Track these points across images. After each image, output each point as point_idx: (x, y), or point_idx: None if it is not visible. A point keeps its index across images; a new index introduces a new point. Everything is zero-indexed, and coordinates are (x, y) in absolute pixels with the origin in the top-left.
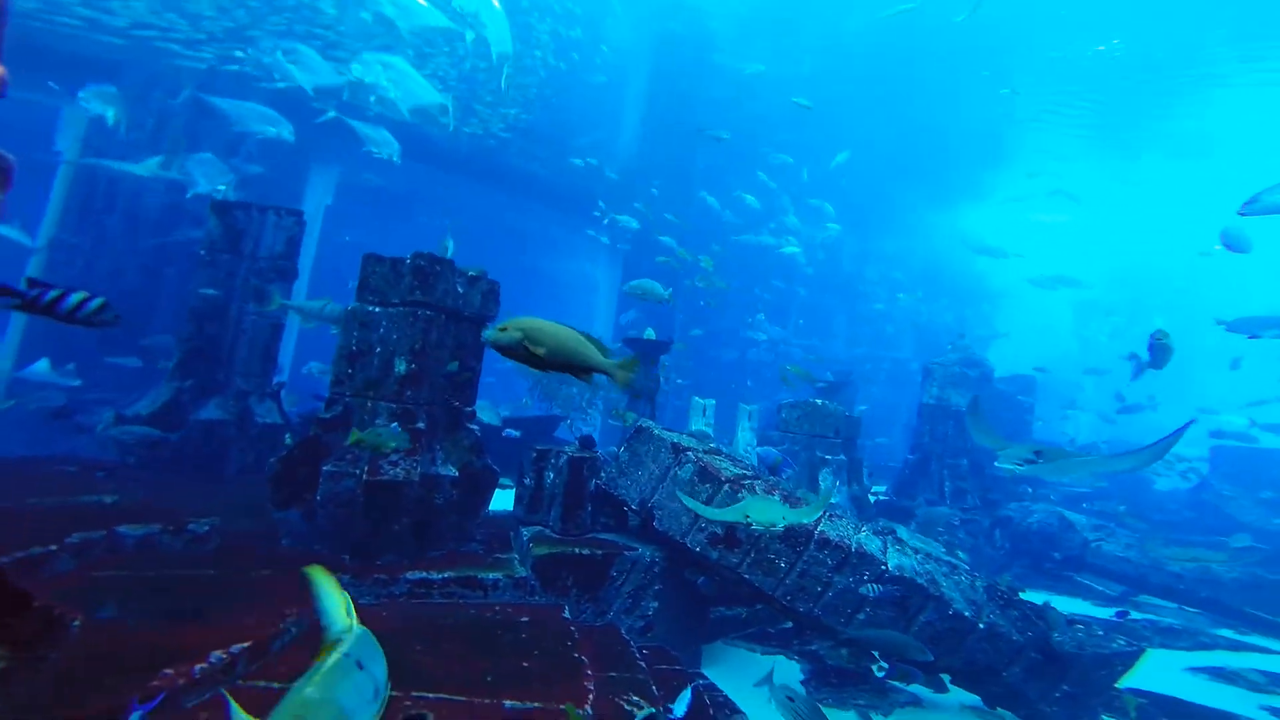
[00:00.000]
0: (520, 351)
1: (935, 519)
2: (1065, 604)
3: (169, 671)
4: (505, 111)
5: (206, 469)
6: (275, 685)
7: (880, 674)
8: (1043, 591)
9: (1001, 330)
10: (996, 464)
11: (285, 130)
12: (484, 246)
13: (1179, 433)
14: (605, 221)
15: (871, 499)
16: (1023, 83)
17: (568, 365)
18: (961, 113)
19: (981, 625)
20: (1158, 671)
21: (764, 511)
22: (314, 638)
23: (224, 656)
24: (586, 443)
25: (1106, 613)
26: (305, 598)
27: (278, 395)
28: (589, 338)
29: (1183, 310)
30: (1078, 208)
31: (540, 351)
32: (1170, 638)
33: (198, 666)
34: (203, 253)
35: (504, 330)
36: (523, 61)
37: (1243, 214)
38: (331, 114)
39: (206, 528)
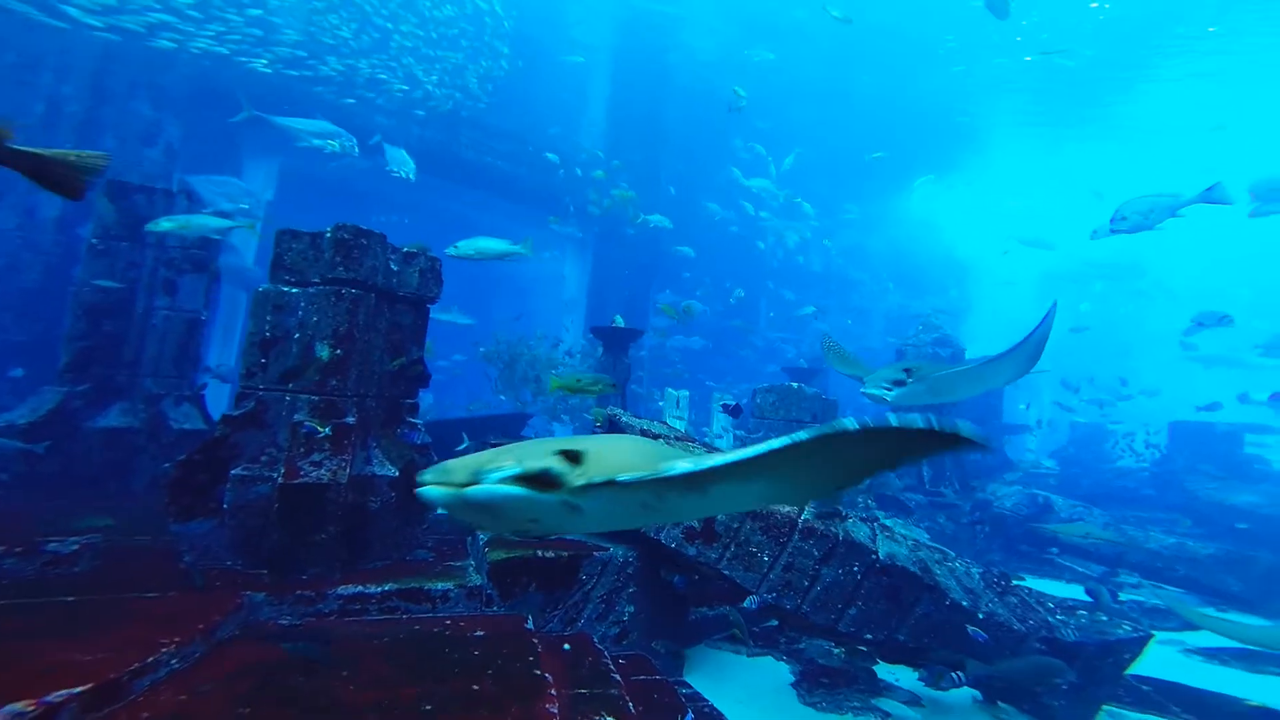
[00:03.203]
0: None
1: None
2: (1047, 586)
3: None
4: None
5: (109, 482)
6: None
7: (922, 679)
8: (1024, 575)
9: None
10: (862, 391)
11: (349, 143)
12: (445, 245)
13: (1045, 327)
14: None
15: None
16: (981, 56)
17: None
18: (921, 93)
19: (980, 615)
20: (1154, 655)
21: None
22: (204, 671)
23: (29, 709)
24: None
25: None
26: (198, 622)
27: (199, 398)
28: None
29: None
30: (1100, 202)
31: None
32: (1158, 619)
33: None
34: (95, 241)
35: None
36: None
37: (1114, 231)
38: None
39: (75, 546)
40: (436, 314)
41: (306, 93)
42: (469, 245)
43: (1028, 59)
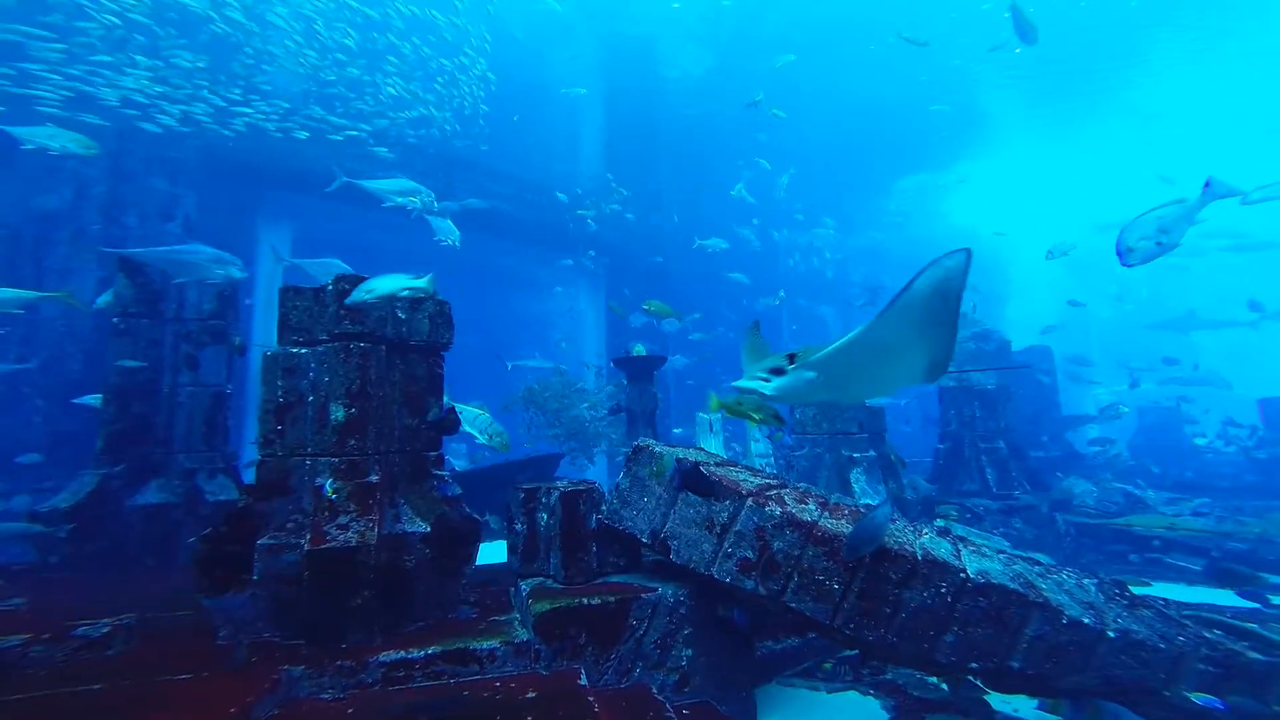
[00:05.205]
0: None
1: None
2: (1163, 592)
3: None
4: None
5: (154, 559)
6: None
7: (1040, 707)
8: (1149, 581)
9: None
10: (734, 384)
11: (428, 197)
12: (467, 292)
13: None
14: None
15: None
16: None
17: None
18: (920, 88)
19: (1111, 633)
20: None
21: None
22: None
23: None
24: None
25: (1220, 597)
26: (230, 706)
27: (232, 469)
28: None
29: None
30: (1171, 188)
31: None
32: None
33: None
34: (115, 320)
35: None
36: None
37: (1126, 265)
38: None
39: (106, 629)
40: (521, 362)
41: (316, 153)
42: (361, 291)
43: (1017, 51)
